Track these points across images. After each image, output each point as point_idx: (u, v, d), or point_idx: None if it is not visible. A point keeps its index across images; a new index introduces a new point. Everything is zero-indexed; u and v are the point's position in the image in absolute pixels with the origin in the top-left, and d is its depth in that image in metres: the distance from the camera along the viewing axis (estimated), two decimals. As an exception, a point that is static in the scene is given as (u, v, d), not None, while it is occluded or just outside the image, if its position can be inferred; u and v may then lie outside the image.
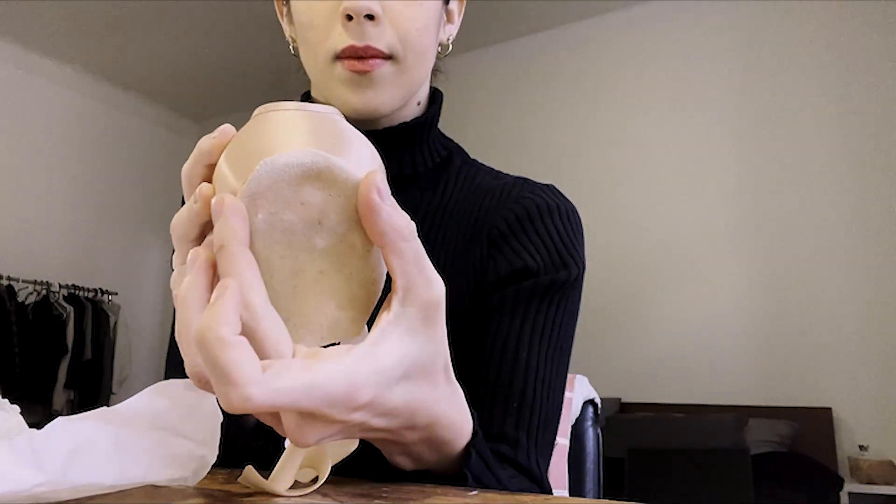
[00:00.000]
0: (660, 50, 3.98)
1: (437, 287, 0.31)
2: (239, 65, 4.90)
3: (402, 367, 0.30)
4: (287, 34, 0.63)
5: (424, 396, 0.32)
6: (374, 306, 0.32)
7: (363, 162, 0.31)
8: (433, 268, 0.32)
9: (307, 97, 0.63)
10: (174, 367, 0.61)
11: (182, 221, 0.33)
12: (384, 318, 0.30)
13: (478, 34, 4.41)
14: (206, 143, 0.32)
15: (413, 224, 0.31)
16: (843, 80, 3.41)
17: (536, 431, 0.53)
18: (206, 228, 0.33)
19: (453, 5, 0.64)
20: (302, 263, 0.30)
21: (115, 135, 5.34)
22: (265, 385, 0.25)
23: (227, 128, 0.32)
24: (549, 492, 0.53)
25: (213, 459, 0.32)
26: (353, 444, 0.38)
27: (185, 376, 0.55)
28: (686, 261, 3.67)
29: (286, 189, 0.29)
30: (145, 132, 5.59)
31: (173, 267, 0.66)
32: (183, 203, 0.35)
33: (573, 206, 0.63)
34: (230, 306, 0.26)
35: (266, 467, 0.35)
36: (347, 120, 0.33)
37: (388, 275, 0.32)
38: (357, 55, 0.52)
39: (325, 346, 0.31)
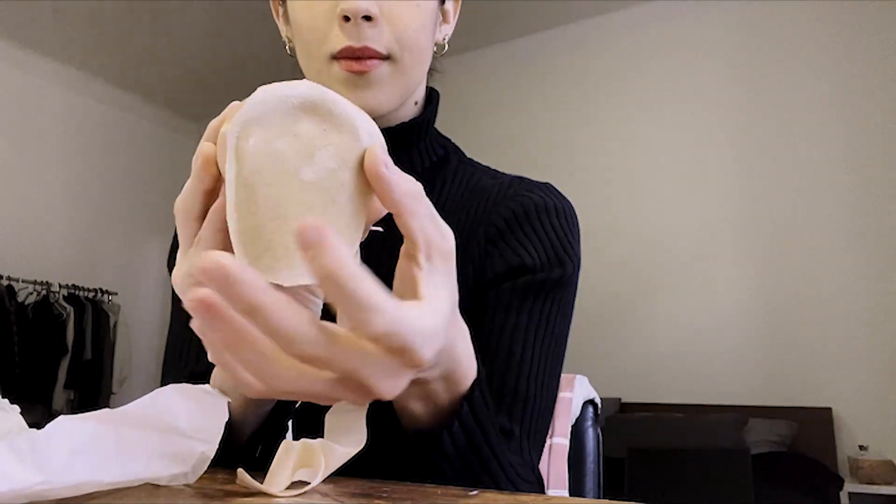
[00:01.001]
0: (660, 50, 3.98)
1: (450, 237, 0.34)
2: (239, 65, 4.91)
3: (450, 315, 0.33)
4: (283, 34, 0.63)
5: (451, 335, 0.35)
6: (354, 248, 0.32)
7: (363, 117, 0.31)
8: (443, 220, 0.33)
9: None
10: (173, 363, 0.61)
11: (184, 196, 0.33)
12: (422, 276, 0.32)
13: (478, 34, 4.41)
14: (214, 122, 0.33)
15: (419, 184, 0.32)
16: (843, 79, 3.41)
17: (530, 425, 0.54)
18: (208, 203, 0.33)
19: (449, 5, 0.64)
20: (288, 193, 0.29)
21: (115, 135, 5.34)
22: (393, 314, 0.27)
23: (234, 103, 0.33)
24: (541, 478, 0.53)
25: (213, 454, 0.32)
26: (360, 444, 0.37)
27: (184, 374, 0.55)
28: (686, 261, 3.67)
29: (280, 118, 0.29)
30: (145, 132, 5.60)
31: (169, 263, 0.65)
32: None
33: (570, 205, 0.64)
34: (342, 246, 0.26)
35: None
36: None
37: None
38: (354, 56, 0.52)
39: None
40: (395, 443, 0.42)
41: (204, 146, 0.32)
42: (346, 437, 0.36)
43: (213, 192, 0.33)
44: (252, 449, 0.46)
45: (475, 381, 0.41)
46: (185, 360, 0.58)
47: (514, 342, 0.55)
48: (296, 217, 0.29)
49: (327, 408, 0.39)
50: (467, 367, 0.40)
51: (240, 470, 0.33)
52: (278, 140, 0.29)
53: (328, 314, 0.33)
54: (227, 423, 0.35)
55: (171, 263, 0.64)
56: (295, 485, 0.34)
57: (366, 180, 0.31)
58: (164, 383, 0.58)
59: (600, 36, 4.20)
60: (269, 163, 0.29)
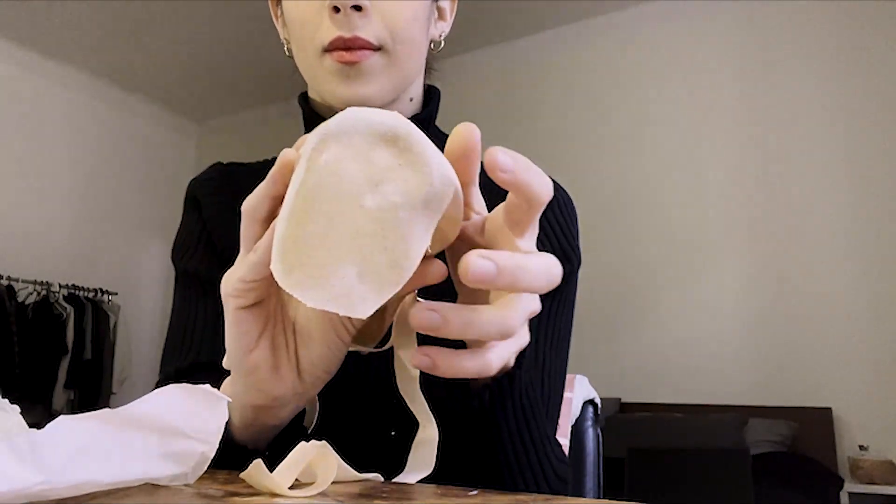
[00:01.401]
0: (660, 50, 3.98)
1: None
2: (239, 65, 4.91)
3: None
4: (281, 36, 0.63)
5: None
6: (390, 294, 0.29)
7: (442, 162, 0.30)
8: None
9: (304, 98, 0.64)
10: (173, 351, 0.61)
11: (254, 196, 0.34)
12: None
13: (478, 34, 4.41)
14: (307, 135, 0.34)
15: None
16: (844, 78, 3.41)
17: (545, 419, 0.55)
18: (276, 209, 0.33)
19: (444, 3, 0.64)
20: (343, 214, 0.29)
21: (116, 135, 5.34)
22: None
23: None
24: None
25: (213, 455, 0.32)
26: (430, 469, 0.40)
27: (185, 363, 0.55)
28: (686, 261, 3.67)
29: (360, 141, 0.29)
30: (146, 132, 5.60)
31: (173, 255, 0.65)
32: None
33: (569, 196, 0.65)
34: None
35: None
36: (338, 111, 0.34)
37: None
38: (345, 46, 0.53)
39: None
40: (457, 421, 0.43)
41: (287, 152, 0.32)
42: (422, 468, 0.40)
43: (283, 200, 0.33)
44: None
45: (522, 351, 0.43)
46: (187, 349, 0.58)
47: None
48: (342, 240, 0.29)
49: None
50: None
51: (258, 461, 0.32)
52: (352, 161, 0.29)
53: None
54: (226, 423, 0.35)
55: (175, 255, 0.65)
56: (303, 486, 0.34)
57: (425, 227, 0.30)
58: (162, 371, 0.58)
59: (601, 36, 4.20)
60: (335, 180, 0.29)
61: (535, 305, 0.33)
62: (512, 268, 0.29)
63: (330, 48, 0.53)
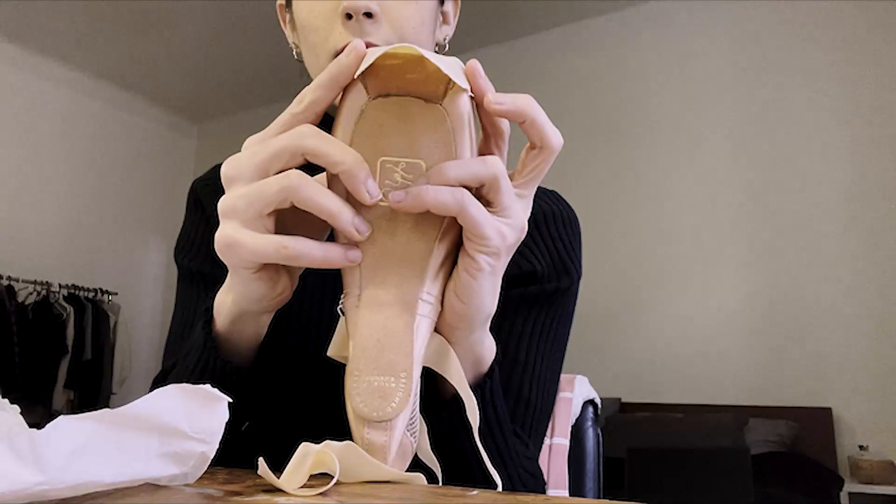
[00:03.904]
0: (661, 50, 3.98)
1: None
2: (239, 65, 4.91)
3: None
4: (290, 40, 0.65)
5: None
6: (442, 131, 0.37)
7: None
8: None
9: None
10: (178, 338, 0.62)
11: (324, 87, 0.38)
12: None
13: (477, 34, 4.41)
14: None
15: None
16: (845, 79, 3.41)
17: (531, 428, 0.57)
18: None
19: (448, 6, 0.66)
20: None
21: (116, 135, 5.34)
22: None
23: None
24: (542, 478, 0.55)
25: (213, 454, 0.32)
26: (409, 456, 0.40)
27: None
28: (686, 261, 3.67)
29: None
30: (145, 132, 5.60)
31: (176, 254, 0.66)
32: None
33: (574, 213, 0.67)
34: None
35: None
36: None
37: None
38: None
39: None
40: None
41: (357, 44, 0.38)
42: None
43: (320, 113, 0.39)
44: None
45: (495, 359, 0.45)
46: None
47: (520, 349, 0.57)
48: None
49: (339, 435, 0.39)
50: (493, 344, 0.45)
51: (261, 460, 0.33)
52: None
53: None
54: (236, 370, 0.41)
55: (177, 254, 0.66)
56: (307, 486, 0.34)
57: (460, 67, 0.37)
58: (163, 364, 0.59)
59: (600, 36, 4.20)
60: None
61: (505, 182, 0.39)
62: (528, 99, 0.36)
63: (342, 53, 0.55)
